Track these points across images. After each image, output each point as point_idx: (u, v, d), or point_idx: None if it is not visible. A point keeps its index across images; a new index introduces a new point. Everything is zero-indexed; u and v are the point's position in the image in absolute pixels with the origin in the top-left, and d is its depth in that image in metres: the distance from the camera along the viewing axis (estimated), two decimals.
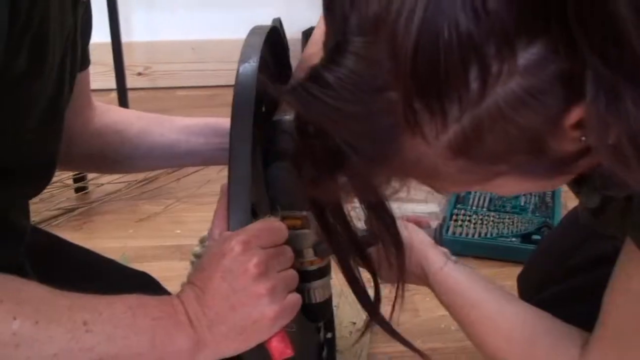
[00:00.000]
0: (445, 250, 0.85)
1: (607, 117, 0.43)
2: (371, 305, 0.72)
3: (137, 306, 0.61)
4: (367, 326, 0.77)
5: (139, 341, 0.59)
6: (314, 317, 0.88)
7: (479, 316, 0.76)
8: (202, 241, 1.34)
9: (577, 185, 0.70)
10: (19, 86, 0.63)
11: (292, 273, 0.67)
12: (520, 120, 0.45)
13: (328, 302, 0.87)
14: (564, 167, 0.51)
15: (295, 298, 0.66)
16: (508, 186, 0.53)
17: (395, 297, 0.69)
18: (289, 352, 0.65)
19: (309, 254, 0.80)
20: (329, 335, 1.02)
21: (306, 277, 0.81)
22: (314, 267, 0.81)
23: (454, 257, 0.83)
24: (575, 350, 0.69)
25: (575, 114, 0.46)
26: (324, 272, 0.83)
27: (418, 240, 0.85)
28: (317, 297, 0.84)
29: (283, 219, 0.76)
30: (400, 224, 0.70)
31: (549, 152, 0.48)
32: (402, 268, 0.65)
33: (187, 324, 0.61)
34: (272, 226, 0.66)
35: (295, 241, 0.78)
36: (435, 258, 0.82)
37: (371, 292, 0.74)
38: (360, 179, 0.53)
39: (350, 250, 0.67)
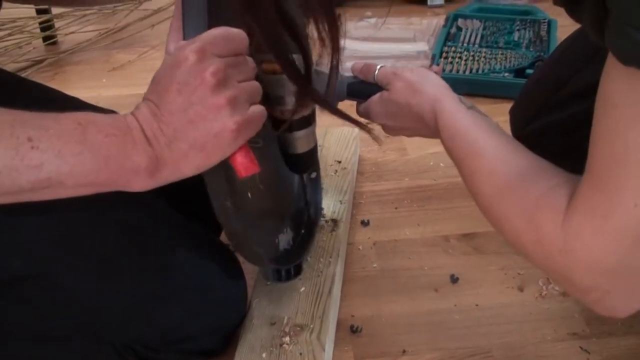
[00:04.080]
0: (461, 97, 0.79)
1: None
2: (302, 80, 0.65)
3: (87, 123, 0.54)
4: (299, 99, 0.70)
5: (93, 158, 0.54)
6: (298, 167, 0.83)
7: (479, 165, 0.69)
8: None
9: None
10: None
11: (255, 84, 0.60)
12: None
13: (312, 152, 0.82)
14: None
15: (258, 110, 0.60)
16: None
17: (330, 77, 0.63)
18: (255, 168, 0.59)
19: (291, 102, 0.73)
20: (314, 175, 0.98)
21: (289, 127, 0.77)
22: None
23: (468, 103, 0.77)
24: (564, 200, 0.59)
25: None
26: (308, 121, 0.78)
27: (432, 84, 0.81)
28: (300, 147, 0.79)
29: (261, 62, 0.69)
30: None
31: None
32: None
33: (143, 142, 0.56)
34: (230, 33, 0.58)
35: (276, 86, 0.72)
36: (449, 101, 0.77)
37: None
38: None
39: (279, 26, 0.60)
